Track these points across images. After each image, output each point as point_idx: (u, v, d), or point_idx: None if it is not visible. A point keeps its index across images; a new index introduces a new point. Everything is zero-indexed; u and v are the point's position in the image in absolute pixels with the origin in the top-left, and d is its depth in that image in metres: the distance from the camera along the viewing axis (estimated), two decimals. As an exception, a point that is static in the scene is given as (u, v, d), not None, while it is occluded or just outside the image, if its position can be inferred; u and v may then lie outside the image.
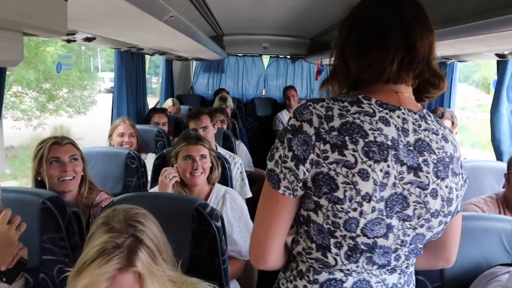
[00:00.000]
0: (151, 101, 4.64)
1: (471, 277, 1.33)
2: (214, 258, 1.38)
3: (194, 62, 5.90)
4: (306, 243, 0.92)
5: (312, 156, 0.85)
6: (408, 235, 0.89)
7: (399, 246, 0.89)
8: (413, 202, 0.86)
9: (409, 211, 0.87)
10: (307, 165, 0.85)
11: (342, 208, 0.84)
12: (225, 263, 1.42)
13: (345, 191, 0.83)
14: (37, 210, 1.37)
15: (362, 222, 0.84)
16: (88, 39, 2.05)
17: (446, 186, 0.89)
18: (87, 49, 11.30)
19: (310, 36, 5.21)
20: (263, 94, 5.96)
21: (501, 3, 1.24)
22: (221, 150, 2.82)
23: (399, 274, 0.95)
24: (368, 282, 0.92)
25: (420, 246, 0.94)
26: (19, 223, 1.22)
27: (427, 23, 0.91)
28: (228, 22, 4.19)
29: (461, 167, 0.94)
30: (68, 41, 2.04)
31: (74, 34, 1.84)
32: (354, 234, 0.85)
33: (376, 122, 0.85)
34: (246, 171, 2.84)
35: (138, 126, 3.06)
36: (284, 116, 4.97)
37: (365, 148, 0.83)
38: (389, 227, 0.86)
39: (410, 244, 0.91)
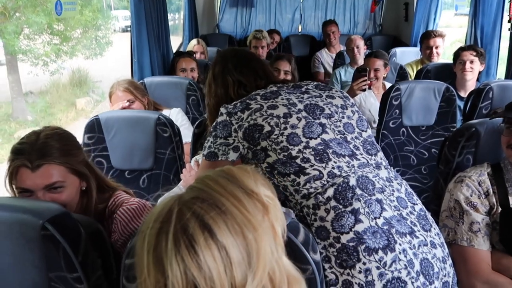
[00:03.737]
0: (173, 41, 4.05)
1: None
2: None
3: (219, -4, 5.15)
4: (290, 182, 1.08)
5: (233, 127, 1.15)
6: (339, 126, 1.15)
7: (341, 135, 1.13)
8: (324, 104, 1.18)
9: (327, 110, 1.17)
10: (233, 133, 1.15)
11: (276, 134, 1.10)
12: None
13: (269, 123, 1.11)
14: (37, 239, 0.88)
15: (299, 131, 1.11)
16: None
17: (336, 91, 1.26)
18: (96, -15, 10.46)
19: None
20: (299, 30, 5.25)
21: None
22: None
23: (385, 169, 1.13)
24: (367, 177, 1.07)
25: (370, 139, 1.17)
26: None
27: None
28: None
29: None
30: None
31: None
32: (303, 144, 1.09)
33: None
34: None
35: (166, 78, 2.51)
36: (324, 55, 4.23)
37: (263, 96, 1.18)
38: (322, 125, 1.13)
39: (350, 133, 1.15)
